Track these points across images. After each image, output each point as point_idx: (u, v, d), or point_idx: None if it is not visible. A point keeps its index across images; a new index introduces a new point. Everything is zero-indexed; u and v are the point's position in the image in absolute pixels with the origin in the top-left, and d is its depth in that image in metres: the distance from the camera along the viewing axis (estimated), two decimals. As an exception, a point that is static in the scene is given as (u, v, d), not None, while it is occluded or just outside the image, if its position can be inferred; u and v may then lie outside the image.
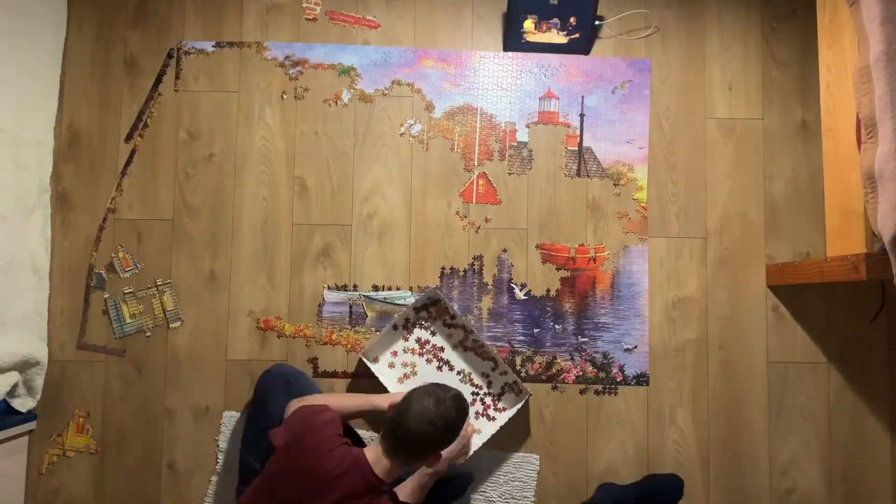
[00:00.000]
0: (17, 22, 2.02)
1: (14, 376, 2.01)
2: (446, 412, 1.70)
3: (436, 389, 1.74)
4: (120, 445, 2.16)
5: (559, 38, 2.26)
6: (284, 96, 2.26)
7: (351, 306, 2.21)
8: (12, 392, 2.03)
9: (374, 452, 1.69)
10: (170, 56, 2.26)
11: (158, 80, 2.25)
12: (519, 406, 2.10)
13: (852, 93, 1.77)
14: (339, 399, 1.92)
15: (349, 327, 2.20)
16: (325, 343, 2.19)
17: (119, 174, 2.22)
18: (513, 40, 2.26)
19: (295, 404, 1.86)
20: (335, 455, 1.65)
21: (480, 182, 2.25)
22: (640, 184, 2.25)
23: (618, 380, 2.19)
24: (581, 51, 2.28)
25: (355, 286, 2.21)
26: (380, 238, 2.22)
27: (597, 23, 2.27)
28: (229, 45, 2.28)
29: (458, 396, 1.76)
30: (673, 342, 2.21)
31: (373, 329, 2.19)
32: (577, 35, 2.25)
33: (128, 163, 2.22)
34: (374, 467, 1.65)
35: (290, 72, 2.27)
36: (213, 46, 2.27)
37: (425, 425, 1.66)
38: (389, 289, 2.21)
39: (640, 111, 2.27)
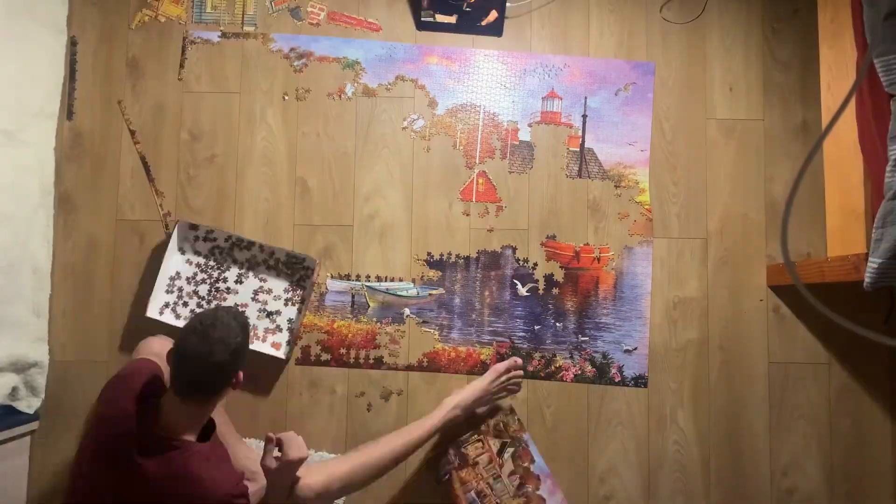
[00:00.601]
0: (18, 22, 2.02)
1: (12, 378, 2.00)
2: (224, 337, 1.59)
3: (203, 318, 1.62)
4: (121, 445, 2.15)
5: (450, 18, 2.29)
6: (286, 97, 2.26)
7: (353, 296, 2.21)
8: (14, 395, 2.03)
9: (168, 401, 1.61)
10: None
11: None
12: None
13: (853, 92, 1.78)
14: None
15: (351, 316, 2.21)
16: (326, 332, 2.20)
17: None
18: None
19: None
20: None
21: (480, 181, 2.26)
22: (642, 186, 2.25)
23: (616, 380, 2.19)
24: (495, 33, 2.29)
25: (358, 276, 2.22)
26: (381, 238, 2.23)
27: (507, 2, 2.28)
28: (235, 35, 2.28)
29: (237, 323, 1.64)
30: (674, 343, 2.21)
31: (374, 319, 2.20)
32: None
33: (146, 167, 2.24)
34: (166, 417, 1.58)
35: (295, 64, 2.27)
36: (218, 37, 2.28)
37: (206, 361, 1.56)
38: (392, 280, 2.22)
39: (643, 113, 2.27)
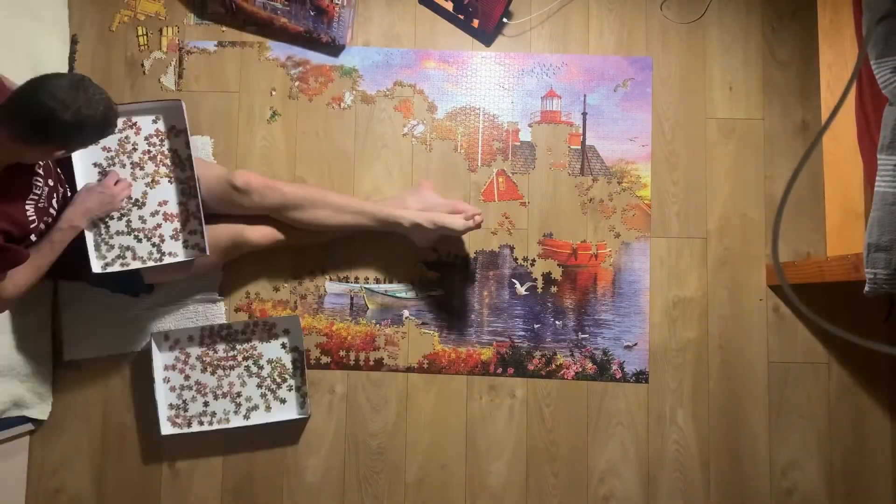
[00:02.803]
0: (20, 22, 2.02)
1: (15, 387, 2.00)
2: (89, 99, 1.45)
3: (83, 78, 1.48)
4: (121, 445, 2.16)
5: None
6: (290, 98, 2.26)
7: (352, 298, 2.21)
8: (21, 404, 2.03)
9: None
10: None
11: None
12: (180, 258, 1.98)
13: (853, 92, 1.78)
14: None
15: (350, 319, 2.21)
16: (325, 334, 2.20)
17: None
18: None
19: None
20: None
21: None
22: (643, 181, 2.25)
23: (617, 377, 2.19)
24: (482, 40, 2.30)
25: (357, 278, 2.21)
26: (379, 238, 2.22)
27: (504, 20, 2.29)
28: (231, 44, 2.28)
29: (111, 102, 1.53)
30: (673, 342, 2.21)
31: (373, 321, 2.20)
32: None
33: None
34: None
35: (292, 72, 2.27)
36: (215, 46, 2.27)
37: (54, 102, 1.40)
38: (390, 282, 2.22)
39: (643, 109, 2.27)
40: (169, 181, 2.01)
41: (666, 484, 2.17)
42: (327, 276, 2.22)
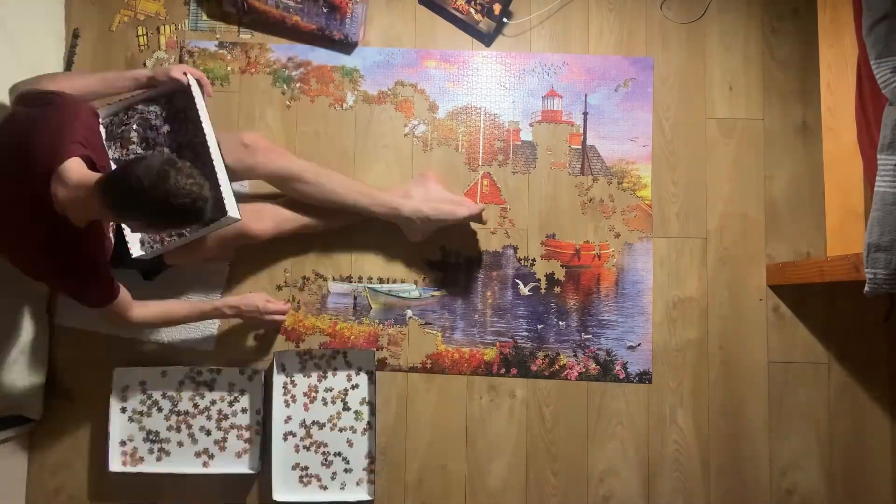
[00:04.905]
0: (17, 22, 2.01)
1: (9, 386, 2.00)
2: (176, 187, 1.45)
3: (176, 162, 1.49)
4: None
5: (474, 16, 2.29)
6: (289, 104, 2.26)
7: (355, 297, 2.21)
8: (19, 406, 2.03)
9: (80, 171, 1.51)
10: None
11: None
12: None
13: (853, 92, 1.79)
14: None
15: (353, 318, 2.20)
16: (328, 334, 2.19)
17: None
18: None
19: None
20: None
21: (485, 182, 2.26)
22: (644, 181, 2.25)
23: (620, 377, 2.19)
24: (482, 40, 2.30)
25: (360, 278, 2.21)
26: (381, 238, 2.22)
27: (504, 20, 2.29)
28: (232, 45, 2.27)
29: (202, 193, 1.51)
30: (673, 342, 2.21)
31: (376, 321, 2.20)
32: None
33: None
34: (60, 180, 1.48)
35: (293, 73, 2.26)
36: (215, 46, 2.27)
37: (138, 184, 1.43)
38: (393, 282, 2.22)
39: (644, 109, 2.28)
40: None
41: (666, 484, 2.17)
42: (330, 276, 2.21)
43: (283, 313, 2.09)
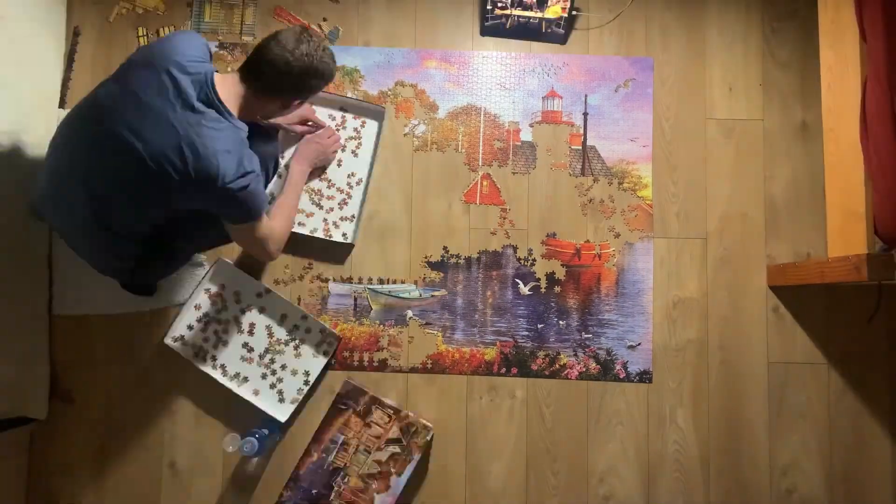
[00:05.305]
0: (18, 23, 2.01)
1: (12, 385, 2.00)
2: (309, 51, 1.67)
3: (305, 29, 1.71)
4: (120, 445, 2.15)
5: (535, 12, 2.29)
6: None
7: (356, 298, 2.21)
8: (20, 406, 2.03)
9: (224, 77, 1.67)
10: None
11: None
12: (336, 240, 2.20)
13: (854, 93, 1.78)
14: None
15: (353, 319, 2.20)
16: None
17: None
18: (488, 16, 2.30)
19: None
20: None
21: (485, 183, 2.26)
22: (644, 181, 2.25)
23: (620, 377, 2.20)
24: (558, 40, 2.30)
25: (360, 279, 2.21)
26: (381, 238, 2.22)
27: (574, 13, 2.28)
28: (233, 45, 2.28)
29: (329, 52, 1.74)
30: (673, 342, 2.21)
31: (377, 321, 2.20)
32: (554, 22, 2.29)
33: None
34: (218, 86, 1.63)
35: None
36: (216, 46, 2.27)
37: (283, 53, 1.64)
38: (394, 282, 2.22)
39: (644, 109, 2.28)
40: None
41: (666, 484, 2.17)
42: (331, 277, 2.21)
43: (337, 140, 2.21)
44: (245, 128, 1.67)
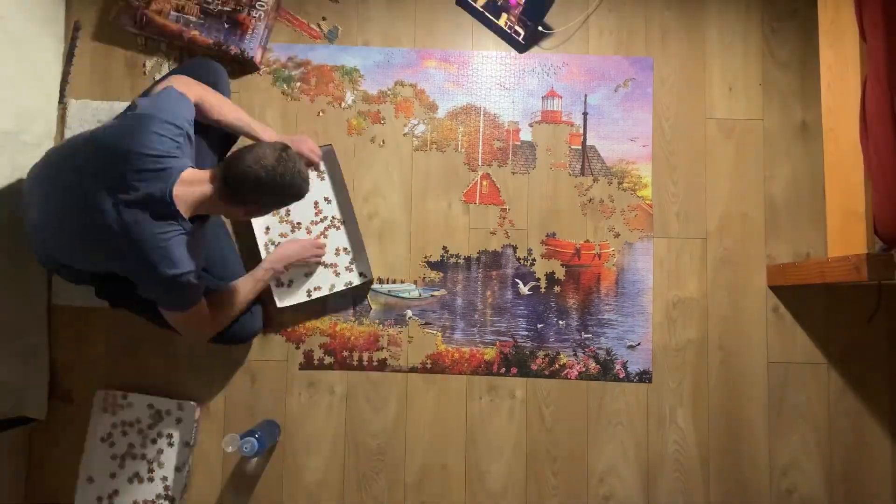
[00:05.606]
0: (17, 24, 2.01)
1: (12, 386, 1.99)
2: (285, 168, 1.64)
3: (287, 148, 1.69)
4: (120, 445, 2.15)
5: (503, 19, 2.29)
6: (290, 99, 2.26)
7: (355, 298, 2.21)
8: (20, 406, 2.03)
9: (195, 173, 1.66)
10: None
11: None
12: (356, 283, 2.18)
13: (854, 93, 1.78)
14: (221, 103, 1.93)
15: (353, 319, 2.20)
16: (328, 335, 2.19)
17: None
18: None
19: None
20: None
21: (484, 183, 2.26)
22: (644, 181, 2.25)
23: (620, 377, 2.19)
24: (516, 47, 2.31)
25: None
26: (380, 238, 2.22)
27: (540, 29, 2.28)
28: (232, 44, 2.28)
29: (305, 174, 1.72)
30: (673, 342, 2.21)
31: (376, 321, 2.20)
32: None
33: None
34: (180, 184, 1.62)
35: (293, 73, 2.26)
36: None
37: (257, 167, 1.61)
38: (393, 282, 2.22)
39: (644, 109, 2.28)
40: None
41: (666, 484, 2.17)
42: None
43: (321, 248, 2.16)
44: (190, 226, 1.66)
